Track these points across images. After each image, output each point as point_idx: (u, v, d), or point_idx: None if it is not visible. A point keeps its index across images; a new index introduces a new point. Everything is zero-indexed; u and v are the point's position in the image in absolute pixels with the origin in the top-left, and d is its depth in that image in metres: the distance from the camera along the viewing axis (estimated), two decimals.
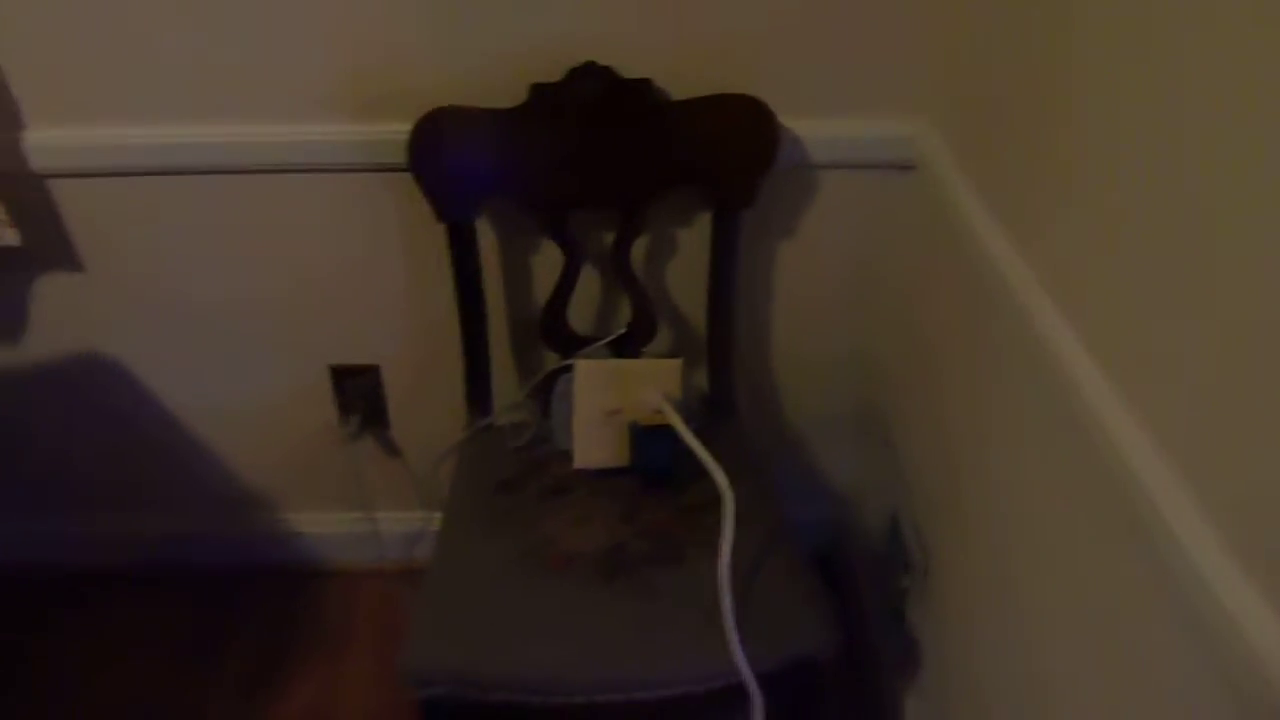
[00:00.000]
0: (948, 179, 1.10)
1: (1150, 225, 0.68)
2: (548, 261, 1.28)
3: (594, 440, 1.13)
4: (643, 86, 1.12)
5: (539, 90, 1.11)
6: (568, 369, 1.15)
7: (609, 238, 1.21)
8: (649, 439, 1.10)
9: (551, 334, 1.23)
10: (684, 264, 1.30)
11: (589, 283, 1.30)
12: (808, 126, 1.19)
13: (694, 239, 1.27)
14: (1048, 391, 0.83)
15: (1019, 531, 0.92)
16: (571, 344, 1.24)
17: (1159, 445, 0.67)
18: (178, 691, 1.45)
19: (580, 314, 1.31)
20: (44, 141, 1.18)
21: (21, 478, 1.51)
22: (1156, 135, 0.68)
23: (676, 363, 1.12)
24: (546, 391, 1.22)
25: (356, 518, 1.50)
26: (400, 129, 1.11)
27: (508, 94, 1.11)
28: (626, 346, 1.24)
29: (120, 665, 1.49)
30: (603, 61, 1.11)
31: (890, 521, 1.35)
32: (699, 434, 1.08)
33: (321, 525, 1.59)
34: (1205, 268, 0.61)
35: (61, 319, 1.35)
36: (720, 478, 0.99)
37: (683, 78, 1.13)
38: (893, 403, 1.36)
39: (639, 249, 1.27)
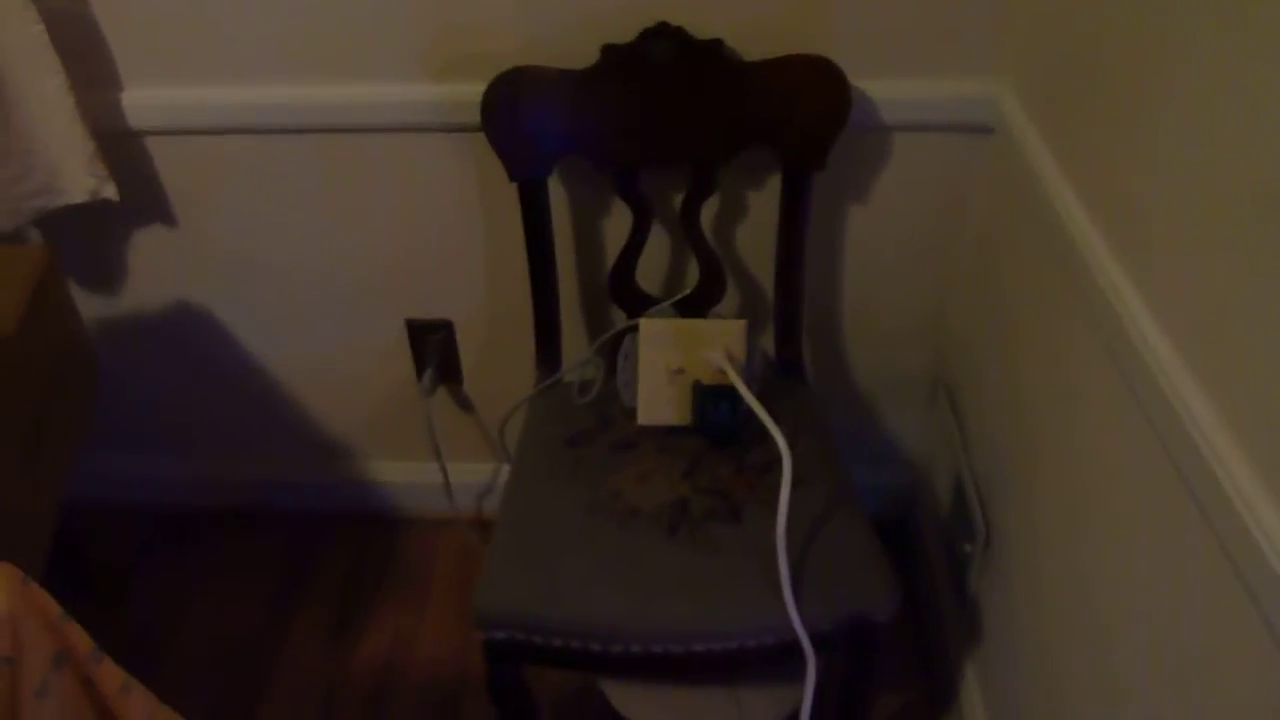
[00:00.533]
0: (1026, 144, 1.08)
1: (1239, 208, 0.66)
2: (618, 221, 1.29)
3: (658, 398, 1.15)
4: (714, 47, 1.12)
5: (611, 51, 1.12)
6: (635, 328, 1.17)
7: (679, 198, 1.22)
8: (711, 398, 1.11)
9: (620, 293, 1.25)
10: (754, 226, 1.30)
11: (658, 243, 1.31)
12: (881, 87, 1.17)
13: (764, 201, 1.27)
14: (1123, 368, 0.82)
15: (1089, 506, 0.91)
16: (640, 303, 1.25)
17: (1232, 429, 0.66)
18: (265, 627, 1.53)
19: (649, 274, 1.32)
20: (141, 100, 1.24)
21: (127, 420, 1.60)
22: (1247, 113, 0.66)
23: (741, 323, 1.13)
24: (614, 349, 1.24)
25: (431, 468, 1.55)
26: (476, 90, 1.13)
27: (580, 55, 1.12)
28: (694, 307, 1.25)
29: (214, 598, 1.58)
30: (674, 22, 1.11)
31: (954, 488, 1.35)
32: (763, 396, 1.09)
33: (399, 474, 1.65)
34: None
35: (156, 271, 1.42)
36: (779, 438, 1.00)
37: (754, 38, 1.13)
38: (962, 369, 1.34)
39: (709, 210, 1.27)
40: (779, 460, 1.01)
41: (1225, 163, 0.69)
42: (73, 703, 0.68)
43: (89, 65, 1.20)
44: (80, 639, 0.69)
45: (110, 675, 0.71)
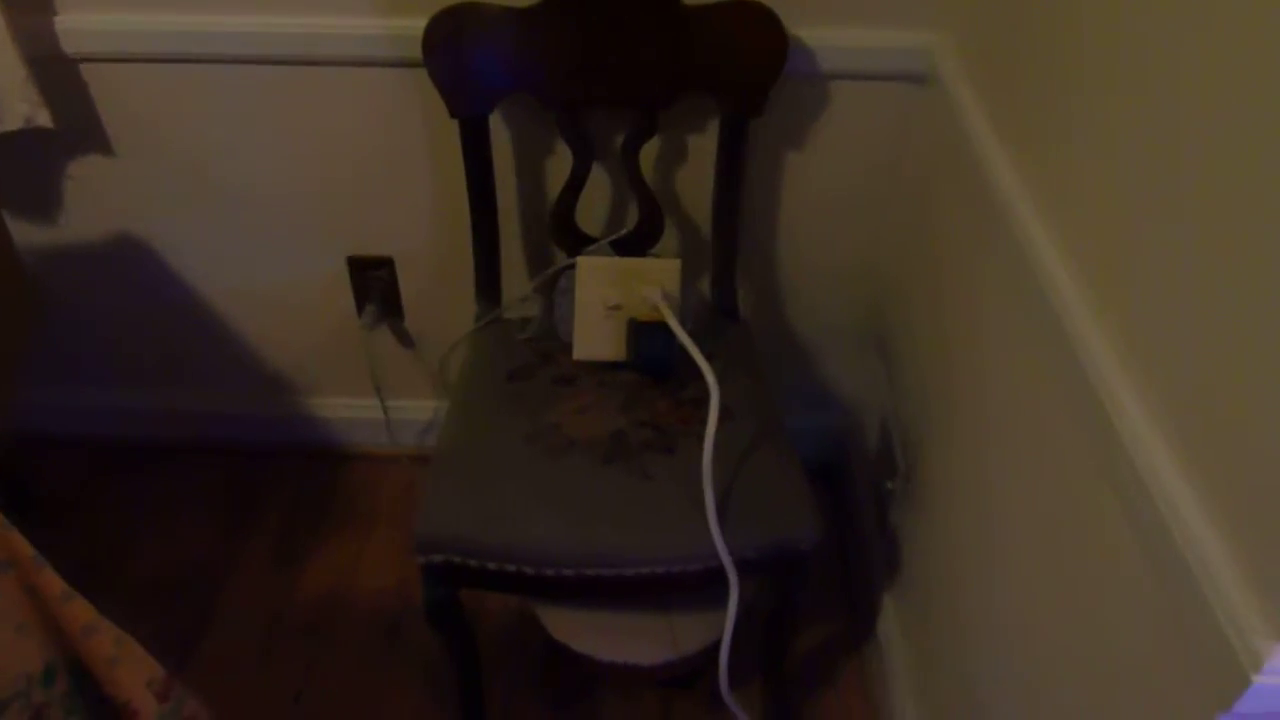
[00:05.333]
0: (959, 95, 1.12)
1: (1150, 164, 0.70)
2: (560, 161, 1.31)
3: (594, 334, 1.18)
4: None
5: None
6: (573, 265, 1.19)
7: (620, 139, 1.24)
8: (646, 334, 1.15)
9: (560, 232, 1.27)
10: (694, 169, 1.33)
11: (599, 184, 1.33)
12: (820, 35, 1.20)
13: (704, 145, 1.30)
14: (1033, 313, 0.86)
15: (994, 440, 0.97)
16: (580, 243, 1.28)
17: (1124, 365, 0.71)
18: (210, 558, 1.55)
19: (590, 214, 1.35)
20: (75, 25, 1.22)
21: (68, 352, 1.59)
22: (1160, 78, 0.70)
23: (675, 262, 1.16)
24: (554, 286, 1.26)
25: (373, 405, 1.57)
26: (420, 24, 1.13)
27: None
28: (633, 247, 1.28)
29: (158, 530, 1.59)
30: None
31: (881, 430, 1.41)
32: (697, 334, 1.13)
33: (342, 410, 1.66)
34: (1202, 213, 0.63)
35: (95, 201, 1.41)
36: (708, 372, 1.04)
37: None
38: (894, 312, 1.40)
39: (649, 152, 1.30)
40: (709, 395, 1.05)
41: (1135, 125, 0.73)
42: (16, 606, 0.70)
43: None
44: (22, 546, 0.71)
45: (51, 582, 0.73)
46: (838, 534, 1.60)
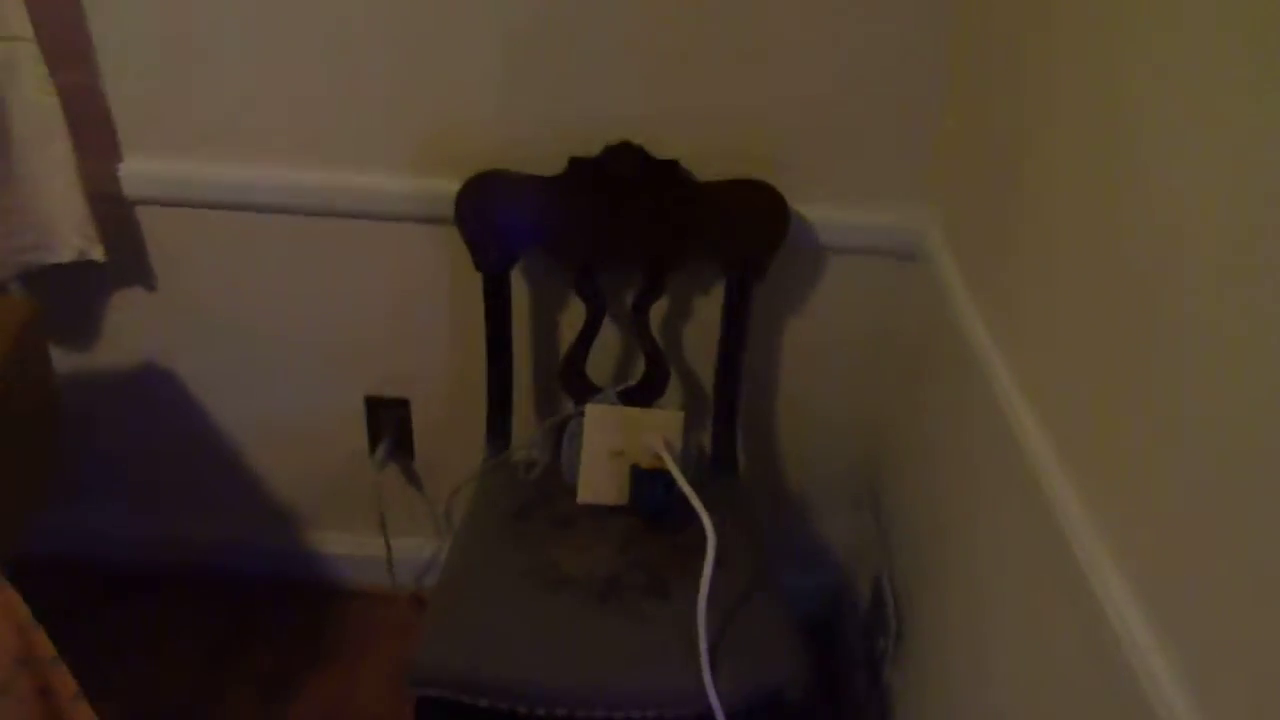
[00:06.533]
0: (944, 272, 1.21)
1: (1122, 345, 0.76)
2: (572, 315, 1.40)
3: (598, 478, 1.23)
4: (671, 166, 1.25)
5: (577, 163, 1.24)
6: (581, 413, 1.26)
7: (631, 297, 1.32)
8: (647, 480, 1.20)
9: (570, 381, 1.34)
10: (698, 328, 1.41)
11: (609, 337, 1.41)
12: (819, 212, 1.30)
13: (709, 306, 1.39)
14: (1015, 481, 0.91)
15: (988, 603, 1.00)
16: (588, 392, 1.34)
17: (1102, 533, 0.75)
18: (202, 686, 1.55)
19: (599, 365, 1.42)
20: (137, 171, 1.34)
21: (82, 476, 1.64)
22: (1121, 268, 0.78)
23: (678, 414, 1.22)
24: (562, 431, 1.32)
25: (376, 542, 1.60)
26: (452, 187, 1.24)
27: (549, 163, 1.25)
28: (638, 398, 1.34)
29: (153, 656, 1.59)
30: (636, 141, 1.24)
31: (874, 587, 1.43)
32: (695, 483, 1.18)
33: (344, 546, 1.69)
34: (1171, 394, 0.68)
35: (130, 331, 1.48)
36: (705, 519, 1.09)
37: (707, 161, 1.26)
38: (889, 471, 1.44)
39: (657, 310, 1.38)
40: (706, 542, 1.09)
41: (1105, 303, 0.80)
42: (29, 704, 0.72)
43: (93, 135, 1.30)
44: (43, 645, 0.74)
45: (65, 683, 0.75)
46: (831, 692, 1.59)
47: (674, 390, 1.46)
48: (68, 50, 1.24)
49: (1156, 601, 0.67)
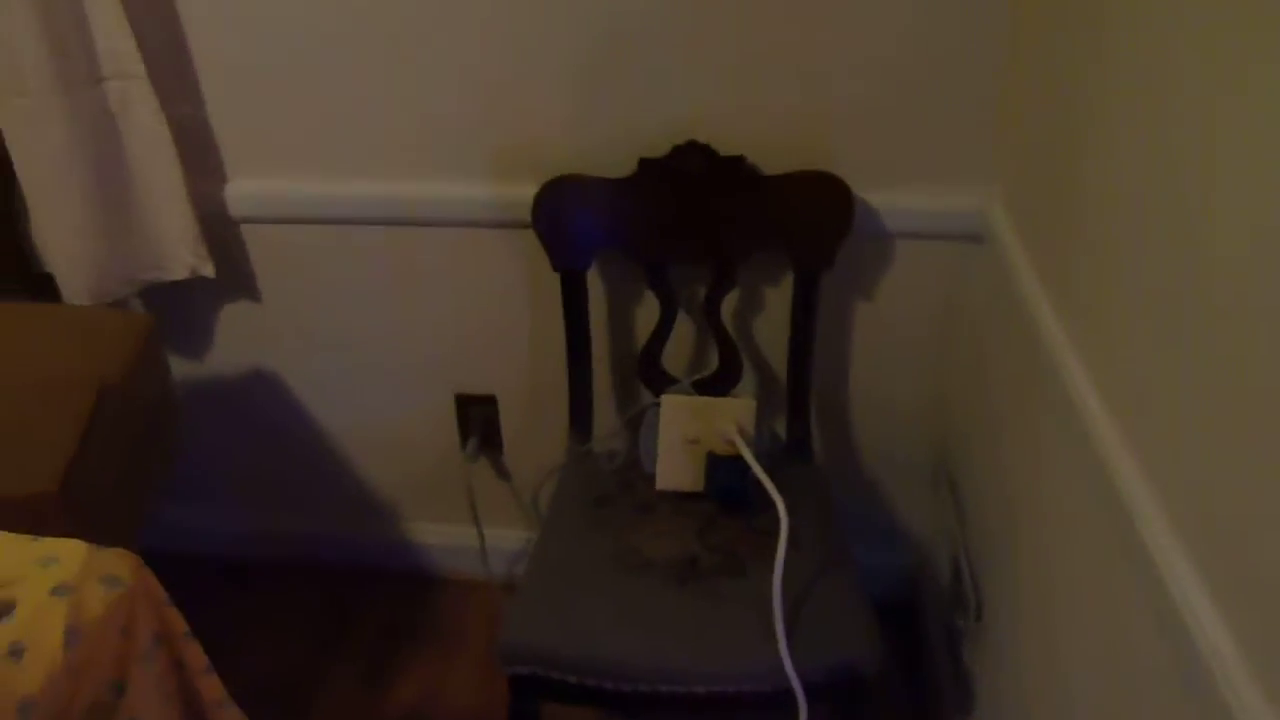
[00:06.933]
0: (1011, 254, 1.22)
1: (1187, 328, 0.76)
2: (647, 310, 1.45)
3: (675, 465, 1.28)
4: (737, 162, 1.29)
5: (646, 164, 1.29)
6: (658, 404, 1.31)
7: (702, 291, 1.37)
8: (721, 467, 1.24)
9: (647, 373, 1.40)
10: (769, 318, 1.45)
11: (683, 330, 1.46)
12: (884, 199, 1.33)
13: (779, 296, 1.42)
14: (1081, 463, 0.93)
15: (1057, 583, 1.02)
16: (665, 383, 1.40)
17: (1168, 513, 0.76)
18: (308, 670, 1.65)
19: (674, 357, 1.47)
20: (241, 192, 1.44)
21: (193, 475, 1.76)
22: (1185, 244, 0.78)
23: (751, 401, 1.27)
24: (640, 422, 1.38)
25: (468, 532, 1.68)
26: (528, 192, 1.31)
27: (619, 165, 1.30)
28: (713, 388, 1.39)
29: (260, 644, 1.70)
30: (702, 140, 1.28)
31: (952, 567, 1.45)
32: (770, 468, 1.22)
33: (438, 536, 1.78)
34: (1237, 372, 0.68)
35: (235, 340, 1.60)
36: (779, 501, 1.13)
37: (772, 155, 1.30)
38: (960, 455, 1.46)
39: (729, 302, 1.43)
40: (780, 523, 1.13)
41: (1183, 286, 0.79)
42: (166, 676, 0.81)
43: (201, 160, 1.41)
44: (178, 621, 0.83)
45: (197, 657, 0.84)
46: (911, 672, 1.61)
47: (749, 379, 1.50)
48: (176, 84, 1.35)
49: (1221, 582, 0.68)
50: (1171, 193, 0.80)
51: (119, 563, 0.83)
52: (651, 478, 1.32)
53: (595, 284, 1.44)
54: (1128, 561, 0.81)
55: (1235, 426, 0.68)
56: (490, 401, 1.61)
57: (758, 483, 1.20)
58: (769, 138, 1.30)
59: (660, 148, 1.29)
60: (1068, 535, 0.98)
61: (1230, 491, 0.68)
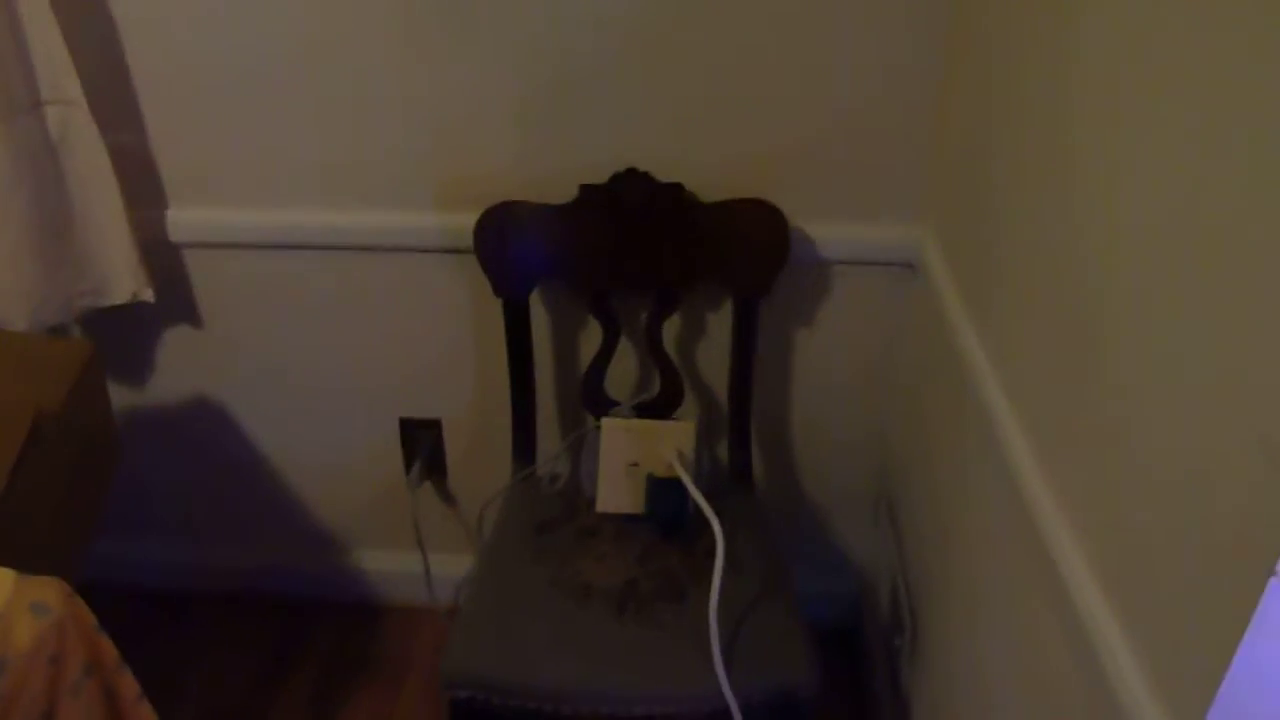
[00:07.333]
0: (940, 283, 1.26)
1: (1078, 352, 0.81)
2: (590, 335, 1.47)
3: (616, 488, 1.30)
4: (676, 190, 1.32)
5: (587, 190, 1.32)
6: (598, 427, 1.33)
7: (644, 317, 1.39)
8: (662, 489, 1.26)
9: (590, 398, 1.41)
10: (710, 343, 1.47)
11: (626, 355, 1.48)
12: (819, 228, 1.36)
13: (719, 322, 1.45)
14: (999, 484, 0.96)
15: (980, 603, 1.05)
16: (608, 407, 1.41)
17: (1078, 536, 0.80)
18: (251, 703, 1.63)
19: (617, 382, 1.49)
20: (182, 218, 1.44)
21: (133, 506, 1.74)
22: (1068, 270, 0.84)
23: (690, 425, 1.29)
24: (581, 445, 1.39)
25: (413, 559, 1.68)
26: (471, 218, 1.32)
27: (561, 192, 1.32)
28: (656, 412, 1.41)
29: (201, 676, 1.68)
30: (642, 168, 1.31)
31: (891, 590, 1.48)
32: (711, 494, 1.24)
33: (382, 563, 1.77)
34: (1133, 401, 0.72)
35: (177, 367, 1.59)
36: (715, 523, 1.15)
37: (711, 183, 1.33)
38: (899, 482, 1.49)
39: (670, 328, 1.45)
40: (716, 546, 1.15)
41: (1084, 318, 0.86)
42: (97, 707, 0.81)
43: (142, 187, 1.40)
44: (109, 650, 0.82)
45: (129, 686, 0.83)
46: (855, 694, 1.63)
47: (691, 405, 1.52)
48: (117, 111, 1.35)
49: (1122, 600, 0.71)
50: (1064, 236, 0.85)
51: (48, 590, 0.82)
52: (593, 501, 1.33)
53: (539, 309, 1.46)
54: (1041, 586, 0.84)
55: (1124, 450, 0.72)
56: (435, 425, 1.61)
57: (698, 507, 1.22)
58: (708, 168, 1.33)
59: (601, 174, 1.32)
60: (989, 559, 1.02)
61: (1131, 521, 0.71)
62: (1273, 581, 0.54)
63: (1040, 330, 0.91)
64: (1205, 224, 0.62)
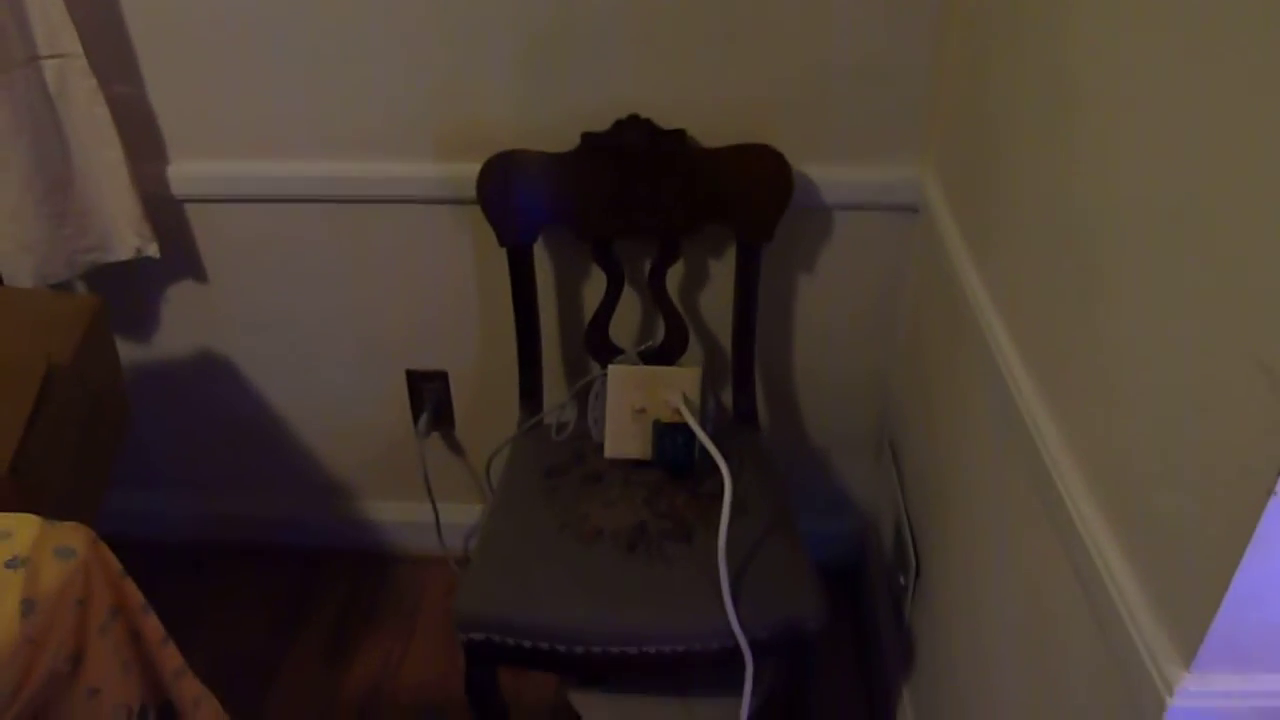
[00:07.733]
0: (942, 222, 1.26)
1: (1074, 289, 0.82)
2: (594, 283, 1.48)
3: (623, 434, 1.31)
4: (678, 136, 1.32)
5: (589, 138, 1.31)
6: (605, 374, 1.34)
7: (648, 264, 1.40)
8: (668, 434, 1.28)
9: (595, 345, 1.43)
10: (714, 289, 1.48)
11: (630, 303, 1.49)
12: (822, 172, 1.37)
13: (723, 268, 1.46)
14: (1003, 424, 0.97)
15: (979, 539, 1.07)
16: (613, 355, 1.42)
17: (1077, 461, 0.81)
18: (265, 650, 1.67)
19: (622, 330, 1.50)
20: (184, 172, 1.44)
21: (143, 460, 1.76)
22: (1064, 205, 0.85)
23: (696, 370, 1.30)
24: (588, 393, 1.41)
25: (423, 508, 1.70)
26: (473, 169, 1.32)
27: (564, 141, 1.32)
28: (661, 359, 1.42)
29: (217, 626, 1.71)
30: (644, 114, 1.31)
31: (895, 530, 1.50)
32: (715, 437, 1.26)
33: (393, 514, 1.80)
34: (1132, 333, 0.73)
35: (183, 322, 1.60)
36: (723, 465, 1.16)
37: (712, 129, 1.33)
38: (901, 423, 1.51)
39: (674, 275, 1.46)
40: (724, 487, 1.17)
41: (1083, 254, 0.87)
42: (123, 646, 0.83)
43: (142, 141, 1.40)
44: (134, 594, 0.84)
45: (154, 628, 0.86)
46: (859, 632, 1.67)
47: (695, 351, 1.53)
48: (115, 63, 1.34)
49: (1127, 530, 0.73)
50: (1061, 170, 0.85)
51: (73, 535, 0.84)
52: (600, 447, 1.35)
53: (542, 258, 1.46)
54: (1044, 514, 0.86)
55: (1134, 381, 0.73)
56: (441, 377, 1.62)
57: (704, 450, 1.24)
58: (710, 113, 1.32)
59: (603, 122, 1.31)
60: (992, 493, 1.03)
61: (1132, 447, 0.73)
62: (1272, 500, 0.56)
63: (1040, 263, 0.92)
64: (1203, 151, 0.63)
